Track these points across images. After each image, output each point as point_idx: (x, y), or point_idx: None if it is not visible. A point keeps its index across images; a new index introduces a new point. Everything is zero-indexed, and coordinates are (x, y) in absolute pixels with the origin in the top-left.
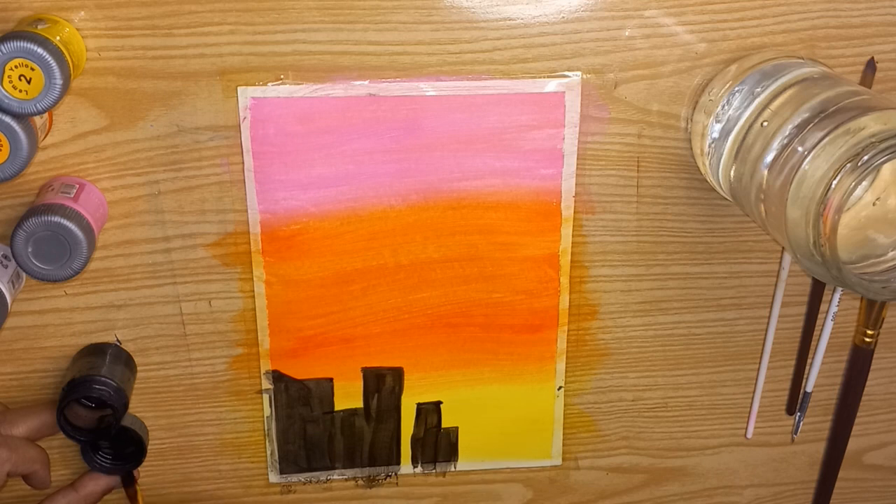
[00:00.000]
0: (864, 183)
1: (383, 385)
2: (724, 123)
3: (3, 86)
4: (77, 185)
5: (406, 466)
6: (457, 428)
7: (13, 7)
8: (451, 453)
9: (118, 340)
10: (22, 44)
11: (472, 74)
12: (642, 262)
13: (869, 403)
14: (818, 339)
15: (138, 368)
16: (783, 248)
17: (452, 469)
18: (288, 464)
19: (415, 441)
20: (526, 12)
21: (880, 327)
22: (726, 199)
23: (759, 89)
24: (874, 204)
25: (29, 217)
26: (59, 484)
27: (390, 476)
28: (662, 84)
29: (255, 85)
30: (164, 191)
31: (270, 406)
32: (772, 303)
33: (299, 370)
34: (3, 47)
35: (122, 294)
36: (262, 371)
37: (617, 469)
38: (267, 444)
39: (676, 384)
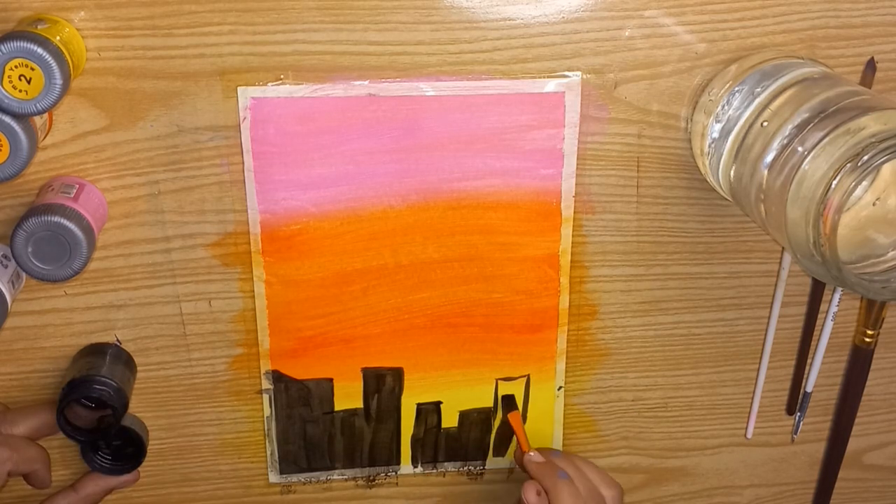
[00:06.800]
0: (864, 183)
1: (383, 385)
2: (724, 123)
3: (3, 86)
4: (77, 185)
5: (406, 466)
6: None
7: (13, 7)
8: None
9: (118, 340)
10: (22, 44)
11: (472, 74)
12: (642, 262)
13: (869, 403)
14: (818, 339)
15: (138, 368)
16: (783, 248)
17: (452, 469)
18: (288, 464)
19: (415, 441)
20: (526, 12)
21: (880, 327)
22: (726, 199)
23: (759, 89)
24: (874, 204)
25: (29, 217)
26: (59, 484)
27: (390, 476)
28: (662, 84)
29: (255, 85)
30: (164, 191)
31: (270, 406)
32: (772, 303)
33: (299, 370)
34: (3, 47)
35: (122, 294)
36: (262, 371)
37: (617, 469)
38: (267, 444)
39: (676, 384)
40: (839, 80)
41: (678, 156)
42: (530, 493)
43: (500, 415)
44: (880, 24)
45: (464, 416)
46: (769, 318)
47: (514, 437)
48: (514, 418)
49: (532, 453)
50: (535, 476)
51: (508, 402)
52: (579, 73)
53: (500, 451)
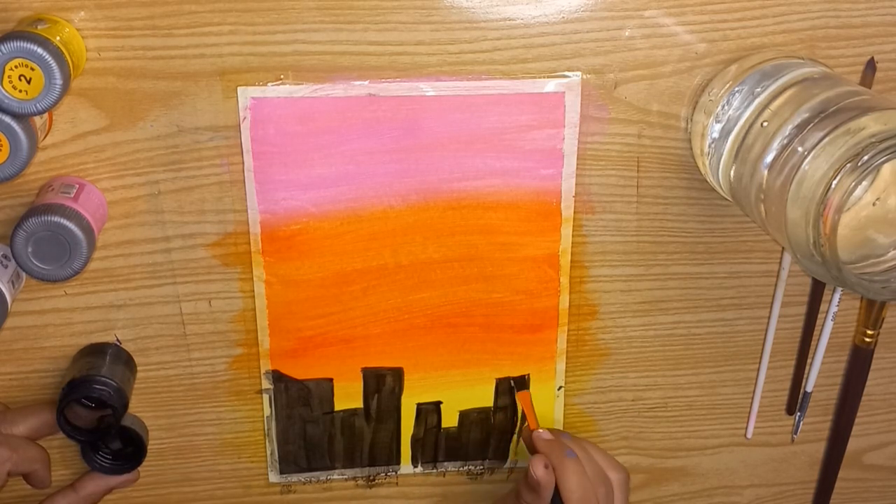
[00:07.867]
0: (864, 183)
1: (383, 385)
2: (724, 123)
3: (3, 86)
4: (77, 185)
5: (406, 466)
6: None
7: (13, 7)
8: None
9: (118, 340)
10: (22, 44)
11: (472, 74)
12: (642, 262)
13: (869, 403)
14: (818, 339)
15: (138, 368)
16: (783, 248)
17: (452, 469)
18: (288, 464)
19: (415, 441)
20: (526, 12)
21: (880, 327)
22: (726, 199)
23: (759, 89)
24: (874, 204)
25: (29, 217)
26: (59, 484)
27: (390, 476)
28: (662, 84)
29: (255, 85)
30: (164, 191)
31: (270, 406)
32: (772, 303)
33: (299, 370)
34: (3, 47)
35: (122, 294)
36: (262, 371)
37: None
38: (267, 444)
39: (676, 384)
40: (839, 80)
41: (678, 156)
42: (538, 466)
43: (499, 417)
44: (880, 24)
45: (464, 416)
46: (769, 318)
47: (522, 413)
48: (523, 398)
49: (541, 431)
50: (544, 451)
51: (520, 382)
52: (579, 73)
53: (500, 451)
